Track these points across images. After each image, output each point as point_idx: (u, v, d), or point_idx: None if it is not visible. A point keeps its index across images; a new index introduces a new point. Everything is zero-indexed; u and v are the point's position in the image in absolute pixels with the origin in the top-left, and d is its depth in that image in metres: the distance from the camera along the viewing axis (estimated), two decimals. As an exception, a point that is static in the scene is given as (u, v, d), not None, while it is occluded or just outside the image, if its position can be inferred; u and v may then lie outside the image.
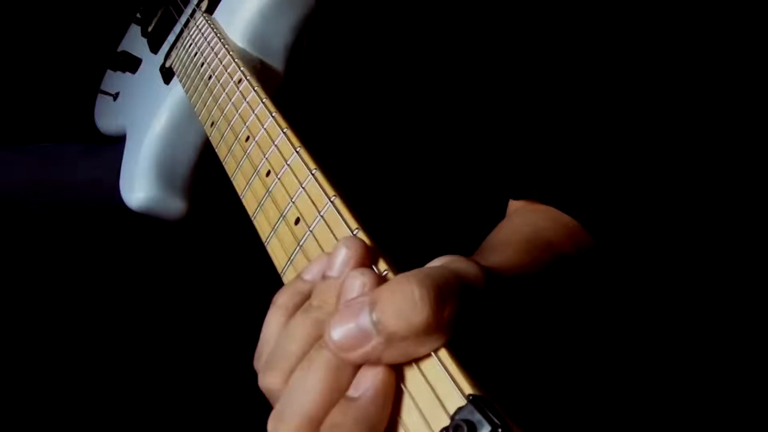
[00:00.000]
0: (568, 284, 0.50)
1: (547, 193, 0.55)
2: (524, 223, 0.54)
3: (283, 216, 0.45)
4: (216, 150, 0.58)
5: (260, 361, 0.39)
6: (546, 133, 0.60)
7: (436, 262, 0.38)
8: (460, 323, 0.34)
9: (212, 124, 0.60)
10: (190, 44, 0.72)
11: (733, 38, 0.60)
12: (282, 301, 0.39)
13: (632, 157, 0.55)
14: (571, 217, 0.53)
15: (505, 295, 0.41)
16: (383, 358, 0.33)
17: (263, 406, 0.37)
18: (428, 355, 0.33)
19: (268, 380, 0.37)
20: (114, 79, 0.90)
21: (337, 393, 0.34)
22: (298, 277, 0.40)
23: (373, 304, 0.33)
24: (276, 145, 0.49)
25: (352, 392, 0.33)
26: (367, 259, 0.37)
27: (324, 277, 0.38)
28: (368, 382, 0.33)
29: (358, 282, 0.35)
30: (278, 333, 0.38)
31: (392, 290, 0.33)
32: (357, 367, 0.34)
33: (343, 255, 0.37)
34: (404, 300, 0.33)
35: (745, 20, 0.60)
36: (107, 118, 0.89)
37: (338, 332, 0.33)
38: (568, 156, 0.57)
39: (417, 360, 0.33)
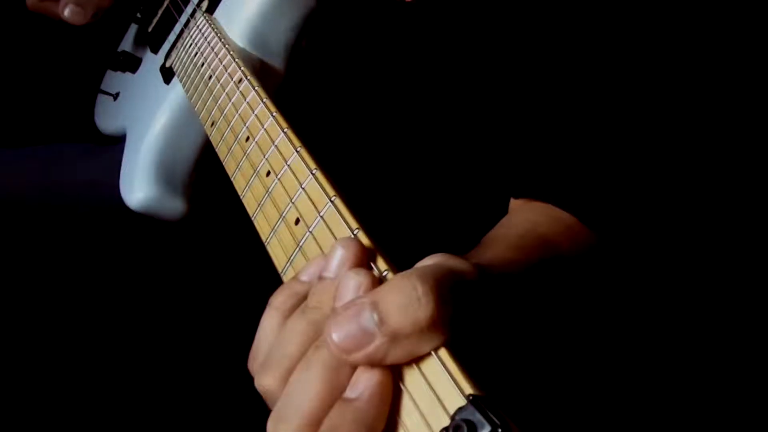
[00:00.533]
0: (561, 279, 0.50)
1: (543, 190, 0.55)
2: (521, 219, 0.54)
3: (282, 216, 0.45)
4: (216, 150, 0.58)
5: (256, 362, 0.38)
6: (542, 130, 0.60)
7: (428, 261, 0.38)
8: (458, 320, 0.34)
9: (212, 124, 0.60)
10: (191, 44, 0.72)
11: (733, 35, 0.59)
12: (278, 302, 0.39)
13: (627, 150, 0.55)
14: (567, 212, 0.53)
15: (495, 291, 0.41)
16: (387, 358, 0.33)
17: (262, 406, 0.37)
18: (428, 355, 0.33)
19: (265, 381, 0.37)
20: (114, 79, 0.90)
21: (337, 392, 0.34)
22: (295, 278, 0.40)
23: (374, 304, 0.33)
24: (276, 146, 0.49)
25: (349, 393, 0.33)
26: (363, 260, 0.37)
27: (320, 278, 0.38)
28: (365, 382, 0.33)
29: (354, 283, 0.35)
30: (274, 334, 0.38)
31: (394, 288, 0.33)
32: (356, 366, 0.34)
33: (339, 256, 0.37)
34: (407, 297, 0.33)
35: (745, 19, 0.60)
36: (107, 118, 0.89)
37: (339, 334, 0.33)
38: (563, 152, 0.56)
39: (417, 360, 0.33)
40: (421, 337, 0.32)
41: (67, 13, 0.79)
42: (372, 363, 0.33)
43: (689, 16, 0.59)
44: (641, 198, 0.54)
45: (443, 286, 0.34)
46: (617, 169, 0.54)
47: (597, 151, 0.55)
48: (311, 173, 0.45)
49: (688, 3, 0.60)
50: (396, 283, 0.34)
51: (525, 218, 0.54)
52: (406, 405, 0.33)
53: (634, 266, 0.54)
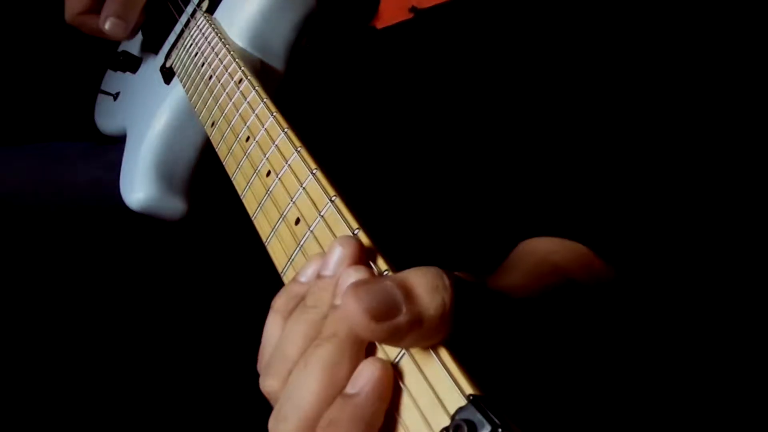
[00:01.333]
0: (574, 306, 0.50)
1: (553, 226, 0.54)
2: (534, 247, 0.54)
3: (283, 216, 0.45)
4: (216, 150, 0.58)
5: (260, 365, 0.39)
6: (548, 155, 0.60)
7: None
8: (460, 324, 0.34)
9: (212, 124, 0.60)
10: (191, 44, 0.72)
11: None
12: (279, 304, 0.39)
13: (636, 178, 0.55)
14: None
15: (511, 316, 0.42)
16: (404, 339, 0.32)
17: (264, 407, 0.37)
18: (428, 355, 0.33)
19: (267, 383, 0.37)
20: (114, 79, 0.90)
21: (334, 390, 0.34)
22: (294, 279, 0.40)
23: (401, 283, 0.33)
24: (276, 145, 0.50)
25: (349, 389, 0.34)
26: (362, 258, 0.37)
27: (319, 276, 0.38)
28: (366, 378, 0.33)
29: (353, 279, 0.35)
30: (277, 336, 0.38)
31: (420, 272, 0.33)
32: (354, 364, 0.34)
33: (337, 254, 0.37)
34: (435, 281, 0.33)
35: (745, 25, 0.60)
36: (107, 118, 0.89)
37: (365, 301, 0.32)
38: (570, 183, 0.56)
39: (417, 360, 0.33)
40: (441, 323, 0.32)
41: (108, 26, 0.76)
42: (389, 340, 0.33)
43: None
44: (652, 227, 0.53)
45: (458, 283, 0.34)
46: (627, 198, 0.54)
47: (603, 179, 0.55)
48: (311, 173, 0.45)
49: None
50: (420, 269, 0.33)
51: (538, 246, 0.54)
52: (407, 404, 0.33)
53: (650, 292, 0.54)
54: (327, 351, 0.34)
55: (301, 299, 0.38)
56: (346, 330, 0.34)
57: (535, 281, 0.49)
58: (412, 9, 0.69)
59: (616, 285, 0.53)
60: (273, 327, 0.39)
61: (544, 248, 0.53)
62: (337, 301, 0.35)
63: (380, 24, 0.71)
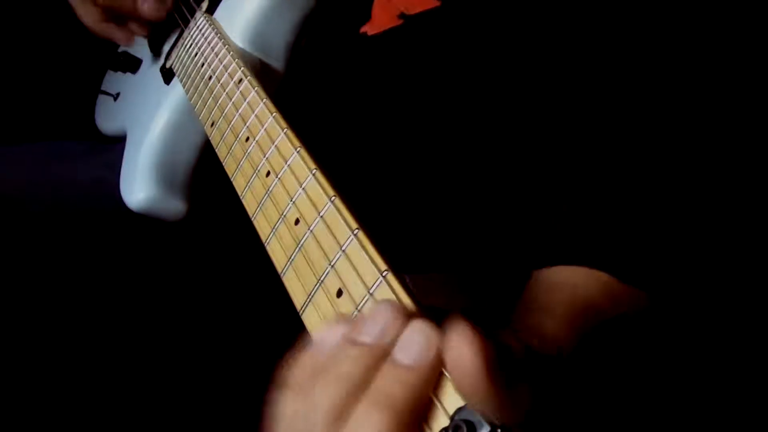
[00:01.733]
0: (608, 350, 0.49)
1: (574, 254, 0.53)
2: (560, 280, 0.52)
3: (283, 216, 0.45)
4: (216, 150, 0.58)
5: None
6: (539, 151, 0.60)
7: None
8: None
9: (212, 124, 0.60)
10: (191, 44, 0.72)
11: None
12: (292, 380, 0.35)
13: (654, 200, 0.54)
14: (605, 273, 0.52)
15: (547, 372, 0.42)
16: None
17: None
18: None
19: None
20: (115, 80, 0.90)
21: None
22: (307, 351, 0.35)
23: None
24: (276, 146, 0.50)
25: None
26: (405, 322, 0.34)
27: (350, 341, 0.34)
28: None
29: (423, 335, 0.32)
30: (294, 412, 0.34)
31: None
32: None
33: (383, 320, 0.33)
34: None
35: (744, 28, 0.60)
36: (108, 119, 0.89)
37: (483, 352, 0.30)
38: (586, 208, 0.55)
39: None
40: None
41: (146, 6, 0.77)
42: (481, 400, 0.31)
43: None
44: (670, 245, 0.52)
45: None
46: (644, 220, 0.53)
47: (620, 202, 0.54)
48: (311, 173, 0.45)
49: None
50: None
51: (564, 279, 0.52)
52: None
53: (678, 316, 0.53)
54: (380, 421, 0.30)
55: (320, 370, 0.34)
56: (406, 394, 0.31)
57: (570, 327, 0.48)
58: (401, 15, 0.70)
59: (644, 315, 0.52)
60: (287, 403, 0.34)
61: (568, 282, 0.52)
62: (399, 357, 0.32)
63: (372, 30, 0.72)
